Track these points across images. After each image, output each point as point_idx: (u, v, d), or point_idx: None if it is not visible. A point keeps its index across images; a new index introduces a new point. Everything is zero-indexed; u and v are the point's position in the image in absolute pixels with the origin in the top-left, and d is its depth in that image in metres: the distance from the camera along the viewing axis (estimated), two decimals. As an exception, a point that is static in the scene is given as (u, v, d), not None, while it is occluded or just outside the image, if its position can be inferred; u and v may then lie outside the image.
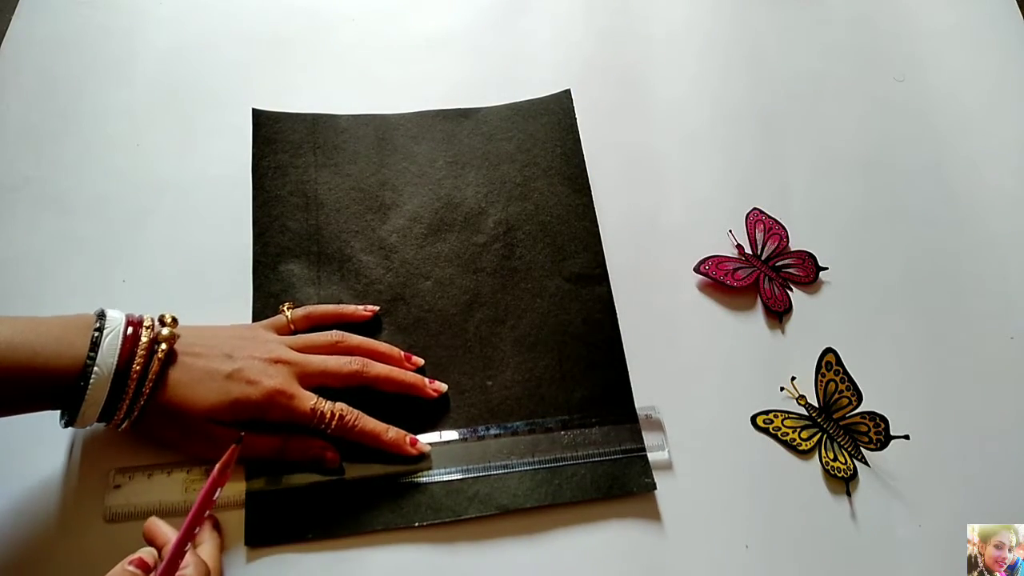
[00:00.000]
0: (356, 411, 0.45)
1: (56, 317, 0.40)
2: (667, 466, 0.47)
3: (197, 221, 0.54)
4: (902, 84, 0.63)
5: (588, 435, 0.47)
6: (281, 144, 0.56)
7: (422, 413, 0.47)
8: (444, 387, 0.48)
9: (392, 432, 0.45)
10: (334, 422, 0.44)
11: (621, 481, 0.46)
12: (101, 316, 0.40)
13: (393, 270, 0.52)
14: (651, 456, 0.47)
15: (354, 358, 0.46)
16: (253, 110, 0.57)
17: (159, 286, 0.51)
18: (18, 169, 0.55)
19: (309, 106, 0.58)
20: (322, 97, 0.59)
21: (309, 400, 0.43)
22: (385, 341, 0.49)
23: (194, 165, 0.56)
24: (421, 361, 0.49)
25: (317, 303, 0.50)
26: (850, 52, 0.65)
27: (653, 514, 0.46)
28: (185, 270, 0.52)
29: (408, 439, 0.45)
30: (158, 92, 0.59)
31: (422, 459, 0.46)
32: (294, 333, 0.48)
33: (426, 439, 0.46)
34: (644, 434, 0.47)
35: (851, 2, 0.68)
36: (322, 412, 0.43)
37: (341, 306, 0.50)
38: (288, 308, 0.48)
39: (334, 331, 0.48)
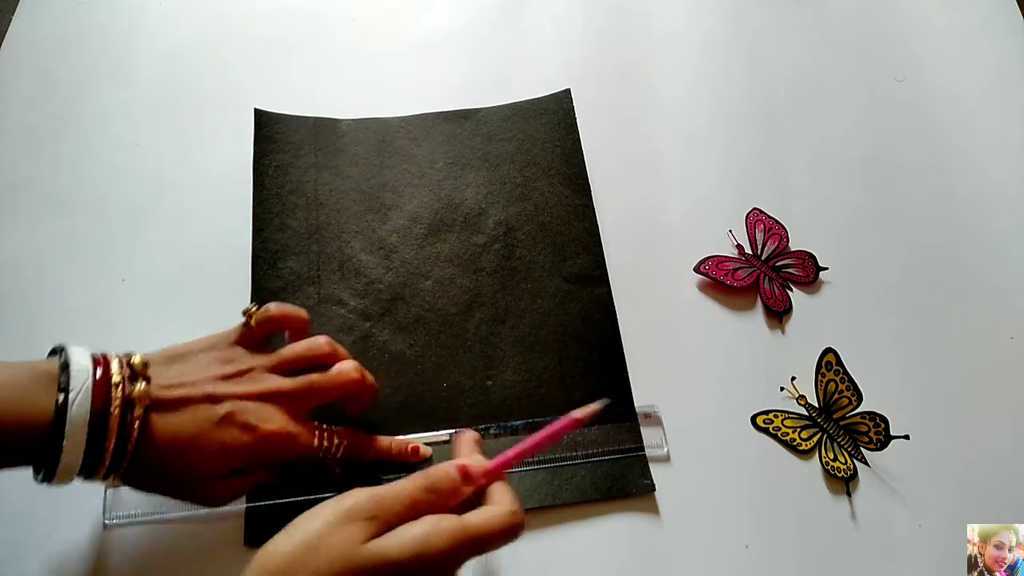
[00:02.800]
0: (355, 431, 0.43)
1: (12, 369, 0.35)
2: (666, 463, 0.47)
3: (197, 221, 0.54)
4: (902, 83, 0.63)
5: (587, 434, 0.47)
6: (282, 144, 0.56)
7: (421, 413, 0.48)
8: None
9: (395, 446, 0.45)
10: (341, 448, 0.42)
11: (621, 483, 0.46)
12: (65, 368, 0.35)
13: (393, 270, 0.52)
14: (650, 453, 0.47)
15: (346, 366, 0.42)
16: (255, 110, 0.57)
17: (159, 286, 0.51)
18: (18, 169, 0.55)
19: (309, 105, 0.58)
20: (322, 97, 0.59)
21: (311, 434, 0.40)
22: (385, 340, 0.49)
23: (194, 165, 0.56)
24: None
25: (317, 303, 0.50)
26: (850, 52, 0.65)
27: (653, 514, 0.46)
28: (185, 269, 0.52)
29: (410, 448, 0.45)
30: (158, 92, 0.59)
31: (425, 462, 0.45)
32: (265, 341, 0.43)
33: (425, 438, 0.46)
34: (643, 432, 0.48)
35: (851, 2, 0.68)
36: (327, 445, 0.41)
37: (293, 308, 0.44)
38: (252, 310, 0.43)
39: (321, 338, 0.43)
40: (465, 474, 0.35)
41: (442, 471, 0.34)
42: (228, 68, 0.60)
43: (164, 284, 0.51)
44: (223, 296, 0.51)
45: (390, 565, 0.30)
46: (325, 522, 0.31)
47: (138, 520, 0.43)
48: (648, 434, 0.48)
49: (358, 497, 0.32)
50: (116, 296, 0.51)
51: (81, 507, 0.43)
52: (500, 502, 0.34)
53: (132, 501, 0.43)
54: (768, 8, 0.67)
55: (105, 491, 0.44)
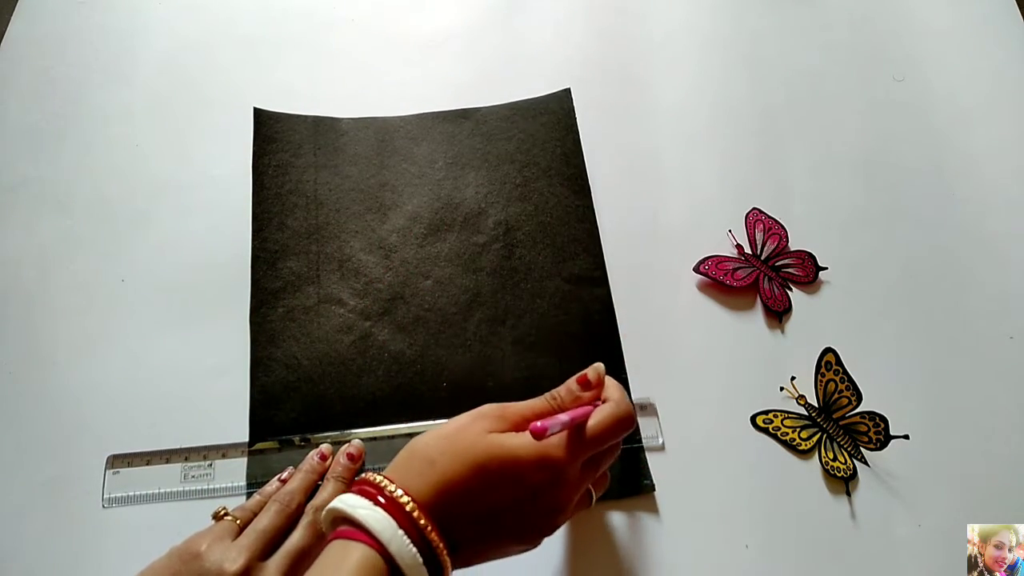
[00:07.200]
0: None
1: None
2: (667, 465, 0.47)
3: (197, 221, 0.54)
4: (902, 84, 0.63)
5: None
6: (282, 143, 0.56)
7: (420, 413, 0.48)
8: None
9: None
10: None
11: (620, 483, 0.46)
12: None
13: (393, 269, 0.52)
14: (646, 444, 0.47)
15: (274, 501, 0.41)
16: (254, 109, 0.57)
17: (159, 286, 0.51)
18: (18, 169, 0.55)
19: (309, 106, 0.58)
20: (322, 97, 0.59)
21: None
22: (385, 340, 0.49)
23: (194, 165, 0.56)
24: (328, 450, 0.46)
25: (317, 303, 0.50)
26: (850, 52, 0.65)
27: (653, 514, 0.46)
28: (185, 269, 0.52)
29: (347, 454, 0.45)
30: (158, 92, 0.59)
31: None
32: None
33: (419, 426, 0.47)
34: (640, 422, 0.48)
35: (851, 2, 0.68)
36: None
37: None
38: (223, 511, 0.41)
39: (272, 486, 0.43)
40: (584, 382, 0.38)
41: (563, 386, 0.38)
42: (228, 68, 0.60)
43: (164, 284, 0.51)
44: (223, 296, 0.51)
45: (512, 458, 0.34)
46: (460, 422, 0.36)
47: (135, 499, 0.44)
48: (644, 424, 0.48)
49: (489, 406, 0.37)
50: (116, 296, 0.51)
51: (81, 488, 0.44)
52: (610, 399, 0.37)
53: (130, 482, 0.44)
54: (768, 8, 0.67)
55: (104, 473, 0.45)
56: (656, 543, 0.45)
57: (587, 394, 0.38)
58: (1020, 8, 0.68)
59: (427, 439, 0.35)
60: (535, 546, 0.37)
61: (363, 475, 0.34)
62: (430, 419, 0.47)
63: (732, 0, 0.67)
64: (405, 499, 0.32)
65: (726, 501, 0.46)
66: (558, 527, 0.37)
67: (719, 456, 0.48)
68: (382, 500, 0.32)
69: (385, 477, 0.34)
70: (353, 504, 0.32)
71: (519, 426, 0.36)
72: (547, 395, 0.39)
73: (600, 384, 0.39)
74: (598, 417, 0.36)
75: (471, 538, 0.33)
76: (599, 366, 0.39)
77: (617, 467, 0.46)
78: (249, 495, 0.44)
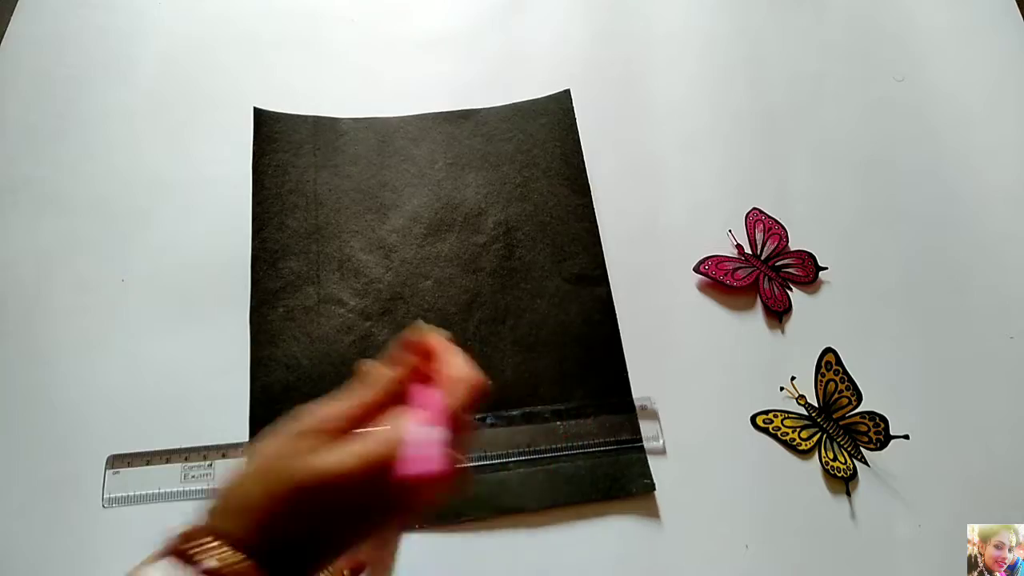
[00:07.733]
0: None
1: None
2: (667, 465, 0.47)
3: (197, 221, 0.54)
4: (902, 84, 0.63)
5: (584, 425, 0.47)
6: (282, 143, 0.56)
7: (422, 413, 0.48)
8: None
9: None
10: None
11: (620, 482, 0.46)
12: None
13: (393, 269, 0.52)
14: (646, 446, 0.47)
15: None
16: (254, 109, 0.57)
17: (159, 285, 0.51)
18: (18, 169, 0.55)
19: (308, 106, 0.58)
20: (322, 97, 0.59)
21: None
22: (385, 340, 0.50)
23: (194, 165, 0.56)
24: None
25: (317, 303, 0.50)
26: (850, 52, 0.65)
27: (653, 514, 0.46)
28: (185, 269, 0.52)
29: None
30: (157, 92, 0.59)
31: None
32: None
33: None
34: (640, 423, 0.48)
35: (851, 2, 0.68)
36: None
37: None
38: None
39: None
40: (408, 344, 0.33)
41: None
42: (228, 68, 0.60)
43: (164, 284, 0.51)
44: (223, 296, 0.51)
45: (332, 475, 0.29)
46: (276, 446, 0.31)
47: (135, 499, 0.44)
48: (644, 426, 0.48)
49: (305, 420, 0.32)
50: (116, 296, 0.51)
51: (81, 488, 0.45)
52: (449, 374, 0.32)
53: (130, 482, 0.45)
54: (768, 8, 0.67)
55: (104, 473, 0.45)
56: (656, 543, 0.45)
57: (415, 358, 0.33)
58: (1020, 8, 0.68)
59: (241, 476, 0.31)
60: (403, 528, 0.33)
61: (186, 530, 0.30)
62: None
63: (732, 0, 0.67)
64: (222, 550, 0.29)
65: (726, 501, 0.46)
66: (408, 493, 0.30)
67: (719, 456, 0.48)
68: (194, 557, 0.29)
69: (202, 528, 0.30)
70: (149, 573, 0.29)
71: (343, 432, 0.32)
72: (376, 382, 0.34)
73: (426, 343, 0.33)
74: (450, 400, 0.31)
75: (317, 561, 0.30)
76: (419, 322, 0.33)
77: (617, 467, 0.46)
78: None
